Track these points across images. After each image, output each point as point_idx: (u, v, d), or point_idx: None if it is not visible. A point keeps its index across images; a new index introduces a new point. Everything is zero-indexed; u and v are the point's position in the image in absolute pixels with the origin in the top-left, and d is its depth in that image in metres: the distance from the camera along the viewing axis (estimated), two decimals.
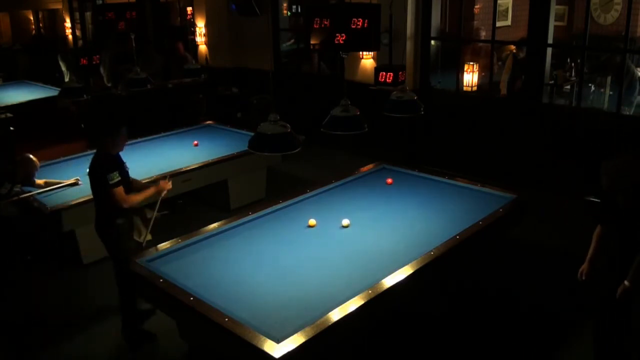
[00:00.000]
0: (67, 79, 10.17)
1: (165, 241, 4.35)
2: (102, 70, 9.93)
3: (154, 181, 5.64)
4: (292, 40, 10.70)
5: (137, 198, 4.56)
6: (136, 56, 6.66)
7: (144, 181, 5.77)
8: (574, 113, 7.04)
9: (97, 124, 4.48)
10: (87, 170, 4.53)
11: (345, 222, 4.66)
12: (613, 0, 9.20)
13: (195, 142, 7.18)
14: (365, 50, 7.70)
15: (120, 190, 4.38)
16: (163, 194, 4.83)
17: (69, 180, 5.77)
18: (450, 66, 8.20)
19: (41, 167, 6.18)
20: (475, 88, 7.75)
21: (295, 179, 7.74)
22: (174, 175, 6.09)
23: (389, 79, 5.71)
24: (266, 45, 9.65)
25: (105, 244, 4.58)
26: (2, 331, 4.85)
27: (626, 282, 3.60)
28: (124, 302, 4.59)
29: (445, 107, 7.93)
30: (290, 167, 8.01)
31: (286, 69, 10.26)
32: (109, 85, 10.05)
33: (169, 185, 4.86)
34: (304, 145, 4.10)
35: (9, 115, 8.20)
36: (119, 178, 4.38)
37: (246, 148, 3.95)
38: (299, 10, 10.78)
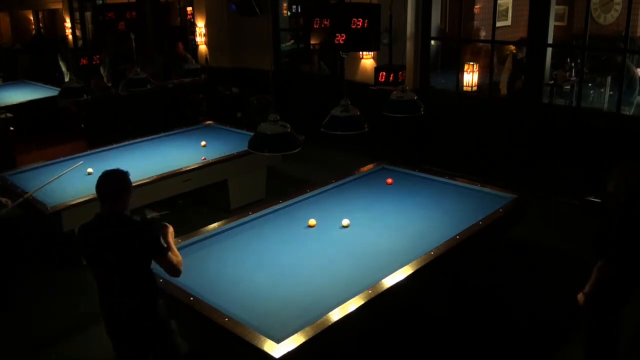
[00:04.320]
0: (67, 79, 10.16)
1: None
2: (102, 70, 9.93)
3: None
4: (292, 41, 10.69)
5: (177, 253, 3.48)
6: (136, 56, 6.67)
7: (142, 181, 5.80)
8: (574, 113, 7.04)
9: (120, 178, 3.38)
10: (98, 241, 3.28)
11: (345, 222, 4.66)
12: (613, 0, 9.20)
13: (204, 142, 7.19)
14: (365, 50, 7.68)
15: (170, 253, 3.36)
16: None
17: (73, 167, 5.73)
18: (450, 66, 8.20)
19: (41, 167, 6.19)
20: (475, 88, 7.74)
21: (295, 179, 7.74)
22: (174, 175, 6.12)
23: (389, 79, 5.72)
24: (266, 45, 9.65)
25: (146, 341, 3.40)
26: (2, 331, 4.85)
27: (586, 289, 3.64)
28: None
29: (445, 107, 7.93)
30: (290, 167, 8.01)
31: (286, 69, 10.26)
32: (109, 85, 10.05)
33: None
34: (304, 145, 4.10)
35: (9, 115, 8.21)
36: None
37: (246, 148, 3.95)
38: (299, 10, 10.78)
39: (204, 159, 6.54)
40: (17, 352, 4.61)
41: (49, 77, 11.22)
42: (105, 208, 3.26)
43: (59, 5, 14.07)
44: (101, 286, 3.36)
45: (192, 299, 3.58)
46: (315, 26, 3.94)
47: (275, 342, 3.13)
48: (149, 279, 3.35)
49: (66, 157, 6.65)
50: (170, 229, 3.54)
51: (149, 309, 3.34)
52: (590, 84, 7.79)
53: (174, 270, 3.34)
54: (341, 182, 5.64)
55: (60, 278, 5.64)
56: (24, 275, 5.71)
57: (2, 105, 8.80)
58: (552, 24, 7.00)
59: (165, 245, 3.28)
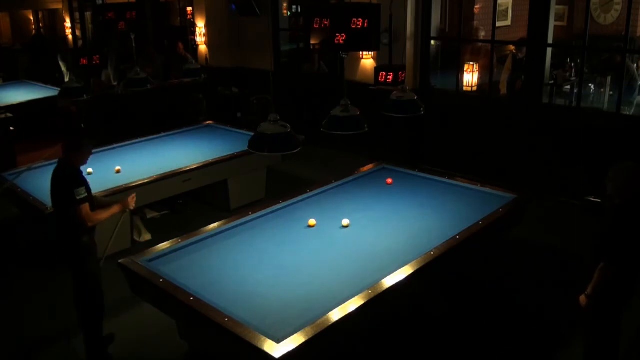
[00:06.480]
0: (67, 79, 10.17)
1: (165, 241, 4.35)
2: (109, 69, 9.95)
3: (128, 190, 5.48)
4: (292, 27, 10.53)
5: (103, 216, 4.32)
6: (136, 56, 6.66)
7: (142, 181, 5.80)
8: (574, 113, 7.04)
9: (64, 137, 4.23)
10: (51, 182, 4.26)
11: (345, 222, 4.66)
12: (613, 0, 9.20)
13: (118, 168, 6.08)
14: (365, 50, 7.69)
15: (86, 207, 4.15)
16: (129, 208, 4.58)
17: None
18: (451, 66, 8.20)
19: (41, 167, 6.18)
20: (475, 88, 7.74)
21: (295, 179, 7.74)
22: (174, 175, 6.12)
23: (389, 79, 5.72)
24: (266, 45, 9.65)
25: (69, 263, 4.33)
26: (2, 331, 4.85)
27: (587, 291, 3.63)
28: (86, 326, 4.39)
29: (445, 107, 7.93)
30: (290, 167, 8.01)
31: (286, 69, 10.26)
32: (115, 84, 10.06)
33: (133, 203, 4.54)
34: (304, 145, 4.10)
35: (9, 115, 8.21)
36: (86, 194, 4.16)
37: (246, 148, 3.95)
38: (299, 10, 10.77)
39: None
40: (16, 352, 4.61)
41: (49, 77, 11.22)
42: (61, 157, 4.25)
43: (59, 5, 14.08)
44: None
45: (192, 299, 3.58)
46: (315, 26, 3.94)
47: (275, 342, 3.13)
48: (72, 217, 4.12)
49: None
50: (127, 206, 4.45)
51: (72, 239, 4.21)
52: (590, 84, 7.79)
53: (82, 220, 4.12)
54: (341, 182, 5.64)
55: (59, 278, 5.63)
56: (24, 275, 5.71)
57: (2, 105, 8.81)
58: (552, 24, 7.00)
59: (79, 198, 4.06)
